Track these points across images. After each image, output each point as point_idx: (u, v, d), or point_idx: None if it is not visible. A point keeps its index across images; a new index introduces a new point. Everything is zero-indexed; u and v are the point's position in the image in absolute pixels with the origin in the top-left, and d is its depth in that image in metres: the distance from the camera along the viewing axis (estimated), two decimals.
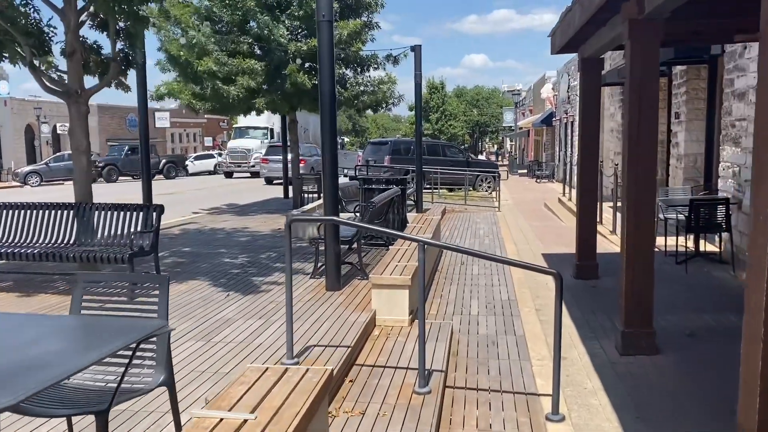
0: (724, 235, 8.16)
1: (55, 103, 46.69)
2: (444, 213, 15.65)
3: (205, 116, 62.56)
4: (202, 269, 7.84)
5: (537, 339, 5.61)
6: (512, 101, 47.91)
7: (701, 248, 8.66)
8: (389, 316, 5.61)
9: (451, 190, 22.07)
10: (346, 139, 77.13)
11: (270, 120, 36.46)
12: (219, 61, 12.41)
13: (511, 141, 57.11)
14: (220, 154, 43.16)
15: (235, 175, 35.55)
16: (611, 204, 13.40)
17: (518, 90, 49.80)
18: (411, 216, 10.26)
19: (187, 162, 47.97)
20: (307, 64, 13.55)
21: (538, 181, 28.93)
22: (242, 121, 38.86)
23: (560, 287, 4.03)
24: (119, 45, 8.06)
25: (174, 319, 5.55)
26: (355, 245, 6.89)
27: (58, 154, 38.49)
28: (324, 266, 6.56)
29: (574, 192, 15.94)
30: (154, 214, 6.64)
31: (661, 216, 9.08)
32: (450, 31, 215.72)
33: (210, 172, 40.63)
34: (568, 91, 25.35)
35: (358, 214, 7.80)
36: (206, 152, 49.39)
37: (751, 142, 8.07)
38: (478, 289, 7.35)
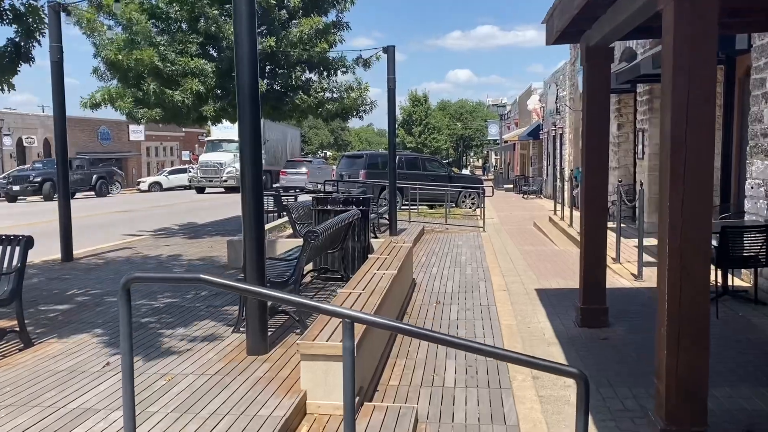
0: (764, 270, 6.58)
1: (20, 114, 44.70)
2: (422, 234, 14.02)
3: (183, 129, 60.91)
4: (97, 320, 6.09)
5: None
6: (497, 114, 46.56)
7: (729, 283, 7.07)
8: (326, 401, 3.92)
9: (432, 207, 20.46)
10: (328, 153, 75.41)
11: None
12: (164, 57, 10.71)
13: (496, 155, 55.72)
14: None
15: (207, 190, 33.83)
16: (613, 224, 11.85)
17: (504, 104, 48.52)
18: (380, 242, 8.59)
19: (161, 176, 46.27)
20: (267, 67, 11.92)
21: (525, 197, 27.42)
22: (215, 134, 37.17)
23: (585, 396, 2.35)
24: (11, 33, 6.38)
25: (12, 407, 3.82)
26: (292, 286, 5.19)
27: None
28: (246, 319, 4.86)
29: (567, 210, 14.39)
30: (17, 249, 4.91)
31: None
32: (434, 46, 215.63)
33: (186, 187, 38.74)
34: (556, 102, 23.93)
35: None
36: (181, 166, 47.57)
37: None
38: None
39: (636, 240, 8.66)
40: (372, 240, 8.44)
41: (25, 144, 42.72)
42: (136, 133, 52.74)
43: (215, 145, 35.72)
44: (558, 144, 24.26)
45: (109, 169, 38.37)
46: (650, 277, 8.06)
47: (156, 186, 43.24)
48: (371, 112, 14.27)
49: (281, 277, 5.27)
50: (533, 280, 8.49)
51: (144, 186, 43.47)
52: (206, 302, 6.71)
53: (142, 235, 13.18)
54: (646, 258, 8.98)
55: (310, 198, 15.58)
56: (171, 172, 46.05)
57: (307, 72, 12.65)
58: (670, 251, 3.37)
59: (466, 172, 44.96)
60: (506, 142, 44.30)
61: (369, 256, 7.02)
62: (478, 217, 16.66)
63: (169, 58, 10.87)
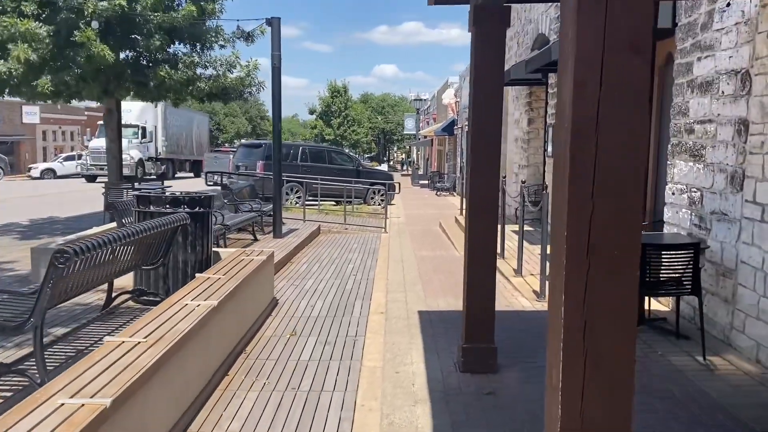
0: (687, 297, 5.39)
1: None
2: (315, 236, 12.43)
3: (85, 112, 56.35)
4: None
5: None
6: (414, 108, 45.48)
7: (644, 308, 5.87)
8: None
9: (338, 203, 18.90)
10: (244, 142, 72.26)
11: (142, 117, 32.15)
12: None
13: (417, 150, 54.72)
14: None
15: (99, 178, 30.93)
16: (515, 228, 10.68)
17: (423, 98, 47.41)
18: (229, 252, 6.91)
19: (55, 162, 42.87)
20: (117, 33, 9.96)
21: (438, 194, 26.34)
22: None
23: None
24: None
25: None
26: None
27: None
28: None
29: None
30: None
31: None
32: (361, 40, 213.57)
33: (83, 175, 35.55)
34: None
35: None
36: (76, 152, 43.91)
37: (723, 155, 5.32)
38: (295, 403, 4.11)
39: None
40: (220, 250, 6.75)
41: None
42: (30, 115, 48.43)
43: None
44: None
45: None
46: None
47: (49, 173, 39.89)
48: (258, 94, 12.54)
49: (15, 319, 3.55)
50: (419, 298, 7.05)
51: (36, 173, 39.99)
52: None
53: None
54: None
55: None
56: (66, 159, 42.73)
57: (177, 44, 10.79)
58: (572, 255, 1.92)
59: (383, 167, 43.65)
60: (425, 137, 43.31)
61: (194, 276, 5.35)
62: (384, 216, 15.23)
63: None
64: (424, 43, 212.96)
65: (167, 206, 5.59)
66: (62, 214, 14.87)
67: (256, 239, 10.92)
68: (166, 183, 28.54)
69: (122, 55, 10.20)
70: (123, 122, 31.19)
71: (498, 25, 4.45)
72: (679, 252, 5.02)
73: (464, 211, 5.20)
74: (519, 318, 6.15)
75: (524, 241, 8.05)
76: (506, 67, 10.07)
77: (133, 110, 31.82)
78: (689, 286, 5.02)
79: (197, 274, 5.23)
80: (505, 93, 14.48)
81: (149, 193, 6.05)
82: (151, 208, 5.58)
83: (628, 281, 1.87)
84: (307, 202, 17.93)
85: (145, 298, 5.51)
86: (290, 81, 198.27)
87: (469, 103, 4.58)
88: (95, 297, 6.09)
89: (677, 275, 5.08)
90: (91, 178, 31.38)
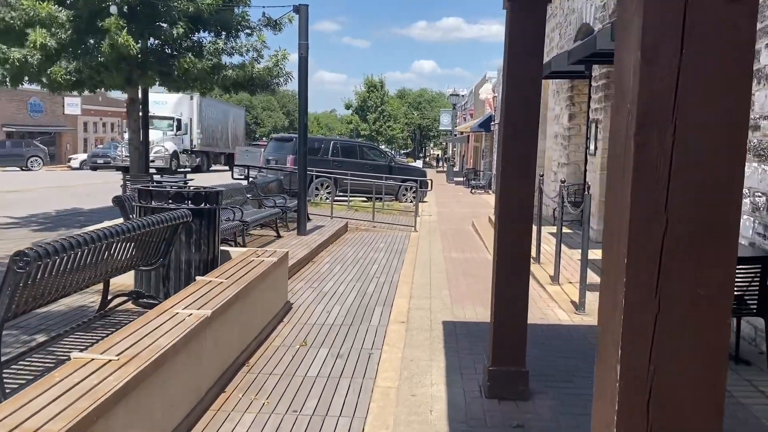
0: (753, 319, 4.71)
1: None
2: (341, 233, 11.97)
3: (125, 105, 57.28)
4: None
5: None
6: (450, 104, 44.66)
7: None
8: None
9: (369, 199, 18.40)
10: (275, 136, 72.22)
11: (177, 109, 32.21)
12: None
13: (453, 146, 53.88)
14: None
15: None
16: (553, 230, 10.01)
17: (460, 93, 46.53)
18: (241, 251, 6.46)
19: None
20: (140, 18, 9.60)
21: (473, 191, 25.63)
22: None
23: None
24: None
25: None
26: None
27: None
28: None
29: None
30: None
31: None
32: (399, 35, 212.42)
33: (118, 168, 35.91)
34: None
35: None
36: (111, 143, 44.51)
37: None
38: (294, 431, 3.61)
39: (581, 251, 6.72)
40: (231, 249, 6.29)
41: None
42: (72, 106, 49.19)
43: None
44: None
45: (28, 143, 35.53)
46: (596, 310, 6.16)
47: (87, 164, 40.41)
48: (285, 85, 12.10)
49: None
50: (445, 306, 6.49)
51: (75, 163, 40.55)
52: None
53: None
54: (593, 279, 7.11)
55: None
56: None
57: (202, 31, 10.41)
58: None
59: (418, 163, 42.97)
60: (461, 133, 42.51)
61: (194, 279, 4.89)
62: (415, 214, 14.68)
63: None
64: (464, 39, 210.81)
65: (170, 202, 5.14)
66: (90, 205, 14.72)
67: (279, 236, 10.49)
68: (199, 176, 28.62)
69: (143, 43, 9.86)
70: (158, 114, 31.60)
71: (539, 4, 3.85)
72: (743, 267, 4.35)
73: (494, 214, 4.62)
74: (554, 333, 5.54)
75: (562, 245, 7.40)
76: (546, 59, 9.40)
77: (168, 102, 31.89)
78: (754, 306, 4.35)
79: (198, 277, 4.77)
80: (545, 86, 13.75)
81: (150, 187, 5.62)
82: (153, 203, 5.15)
83: (717, 336, 1.29)
84: (336, 198, 17.51)
85: (144, 300, 5.08)
86: (328, 76, 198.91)
87: (501, 91, 4.00)
88: (96, 297, 5.70)
89: (739, 293, 4.41)
90: (127, 169, 31.58)
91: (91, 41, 8.90)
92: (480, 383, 4.29)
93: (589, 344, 5.22)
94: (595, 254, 8.21)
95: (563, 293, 6.85)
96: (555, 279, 7.26)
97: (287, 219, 11.46)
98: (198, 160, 34.05)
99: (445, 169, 42.75)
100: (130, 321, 4.65)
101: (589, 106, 11.79)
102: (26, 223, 11.26)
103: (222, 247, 6.17)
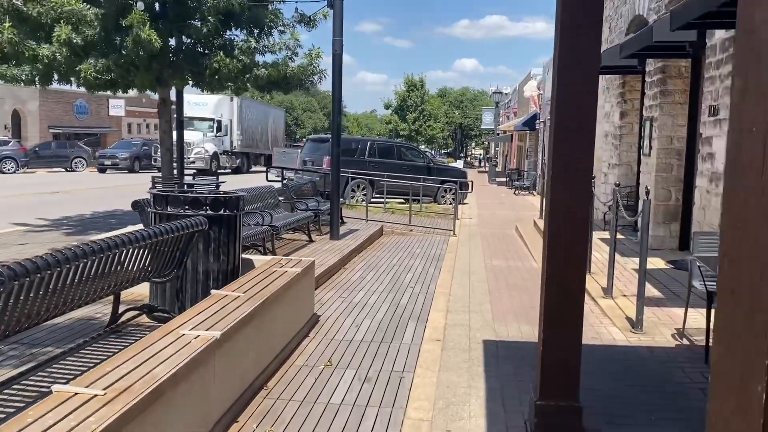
0: None
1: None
2: (376, 237, 11.50)
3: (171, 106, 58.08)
4: None
5: None
6: (493, 102, 43.71)
7: None
8: None
9: (407, 201, 17.91)
10: (312, 137, 72.27)
11: (217, 111, 32.30)
12: None
13: (496, 146, 52.83)
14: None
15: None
16: (604, 235, 9.34)
17: (503, 91, 45.53)
18: (265, 260, 6.04)
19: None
20: (170, 15, 9.30)
21: (516, 192, 24.84)
22: (186, 111, 34.38)
23: None
24: None
25: None
26: None
27: None
28: None
29: None
30: None
31: (695, 284, 4.99)
32: (441, 34, 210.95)
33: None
34: None
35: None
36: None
37: None
38: None
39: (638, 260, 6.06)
40: (255, 257, 5.87)
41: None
42: (116, 107, 50.09)
43: (185, 124, 33.10)
44: None
45: (73, 144, 36.27)
46: (655, 328, 5.53)
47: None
48: (320, 84, 11.69)
49: None
50: (485, 322, 5.93)
51: None
52: None
53: (21, 227, 10.65)
54: (651, 292, 6.47)
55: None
56: None
57: (234, 29, 10.09)
58: None
59: (459, 163, 42.18)
60: (504, 132, 41.58)
61: (214, 287, 4.47)
62: (454, 217, 14.11)
63: None
64: (508, 36, 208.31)
65: (186, 208, 4.75)
66: (108, 207, 14.62)
67: (311, 240, 10.08)
68: (238, 177, 28.55)
69: (175, 41, 9.58)
70: (198, 115, 31.72)
71: None
72: None
73: (543, 221, 4.06)
74: (609, 356, 4.94)
75: (615, 253, 6.76)
76: None
77: (208, 103, 32.00)
78: None
79: (213, 291, 4.35)
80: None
81: (167, 192, 5.23)
82: (169, 209, 4.76)
83: None
84: (373, 200, 17.05)
85: (157, 314, 4.69)
86: (369, 76, 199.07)
87: (552, 82, 3.44)
88: (107, 309, 5.35)
89: None
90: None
91: (118, 39, 8.64)
92: (525, 418, 3.74)
93: (650, 371, 4.60)
94: (652, 263, 7.54)
95: (617, 308, 6.21)
96: (608, 292, 6.62)
97: (320, 222, 11.05)
98: (238, 161, 34.09)
99: (486, 169, 41.88)
100: (142, 337, 4.26)
101: (642, 103, 11.04)
102: (59, 225, 11.13)
103: (245, 255, 5.77)
